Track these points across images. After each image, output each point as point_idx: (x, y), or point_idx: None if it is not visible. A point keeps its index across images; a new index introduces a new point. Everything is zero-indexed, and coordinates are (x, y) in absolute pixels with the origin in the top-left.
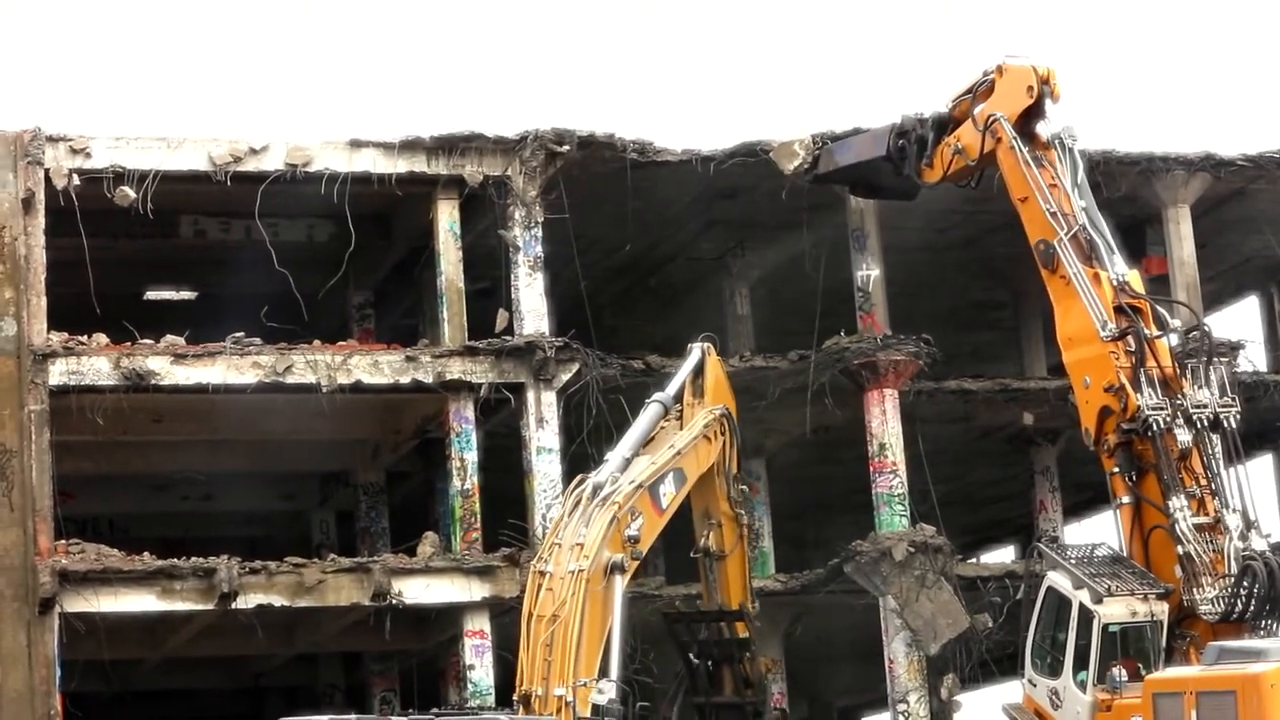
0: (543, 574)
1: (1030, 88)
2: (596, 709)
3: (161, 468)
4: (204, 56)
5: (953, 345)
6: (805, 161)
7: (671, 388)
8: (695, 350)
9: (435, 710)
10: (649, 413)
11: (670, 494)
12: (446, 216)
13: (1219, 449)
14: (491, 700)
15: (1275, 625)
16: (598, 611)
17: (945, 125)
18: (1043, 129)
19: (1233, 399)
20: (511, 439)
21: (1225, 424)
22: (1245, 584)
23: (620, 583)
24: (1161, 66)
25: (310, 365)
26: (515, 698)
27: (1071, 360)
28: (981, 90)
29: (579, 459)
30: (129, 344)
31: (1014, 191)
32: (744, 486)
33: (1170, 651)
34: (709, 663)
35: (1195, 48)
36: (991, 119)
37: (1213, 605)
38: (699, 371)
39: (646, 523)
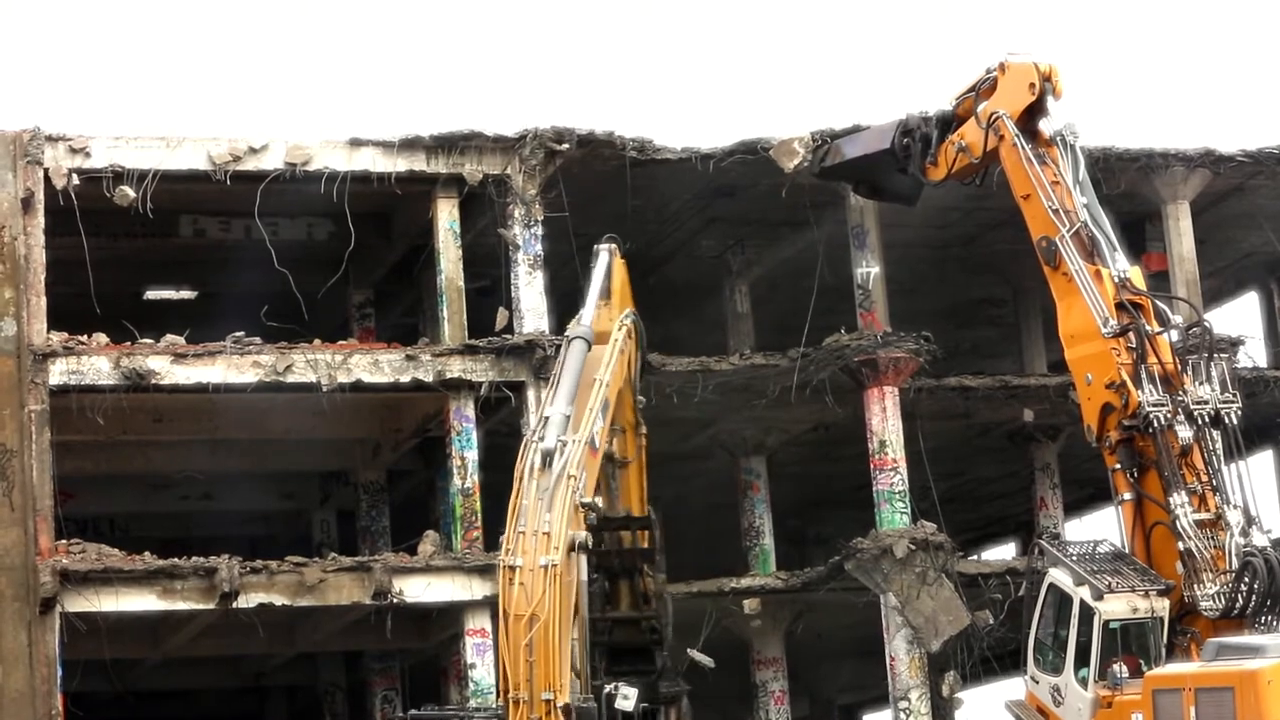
0: (512, 569)
1: (1032, 85)
2: (626, 715)
3: (162, 467)
4: (203, 56)
5: (953, 342)
6: (805, 159)
7: (588, 313)
8: (603, 253)
9: (414, 710)
10: (575, 354)
11: (601, 428)
12: (446, 215)
13: (1220, 445)
14: (492, 699)
15: (1275, 621)
16: (569, 601)
17: (949, 123)
18: (1045, 126)
19: (1234, 395)
20: (512, 437)
21: (1226, 420)
22: (1246, 580)
23: (583, 561)
24: (1161, 63)
25: (310, 364)
26: (501, 702)
27: (1073, 357)
28: (984, 88)
29: None
30: (129, 344)
31: (1016, 189)
32: (641, 398)
33: (1171, 648)
34: (606, 577)
35: (1194, 44)
36: (994, 116)
37: (1213, 601)
38: (605, 274)
39: (588, 473)
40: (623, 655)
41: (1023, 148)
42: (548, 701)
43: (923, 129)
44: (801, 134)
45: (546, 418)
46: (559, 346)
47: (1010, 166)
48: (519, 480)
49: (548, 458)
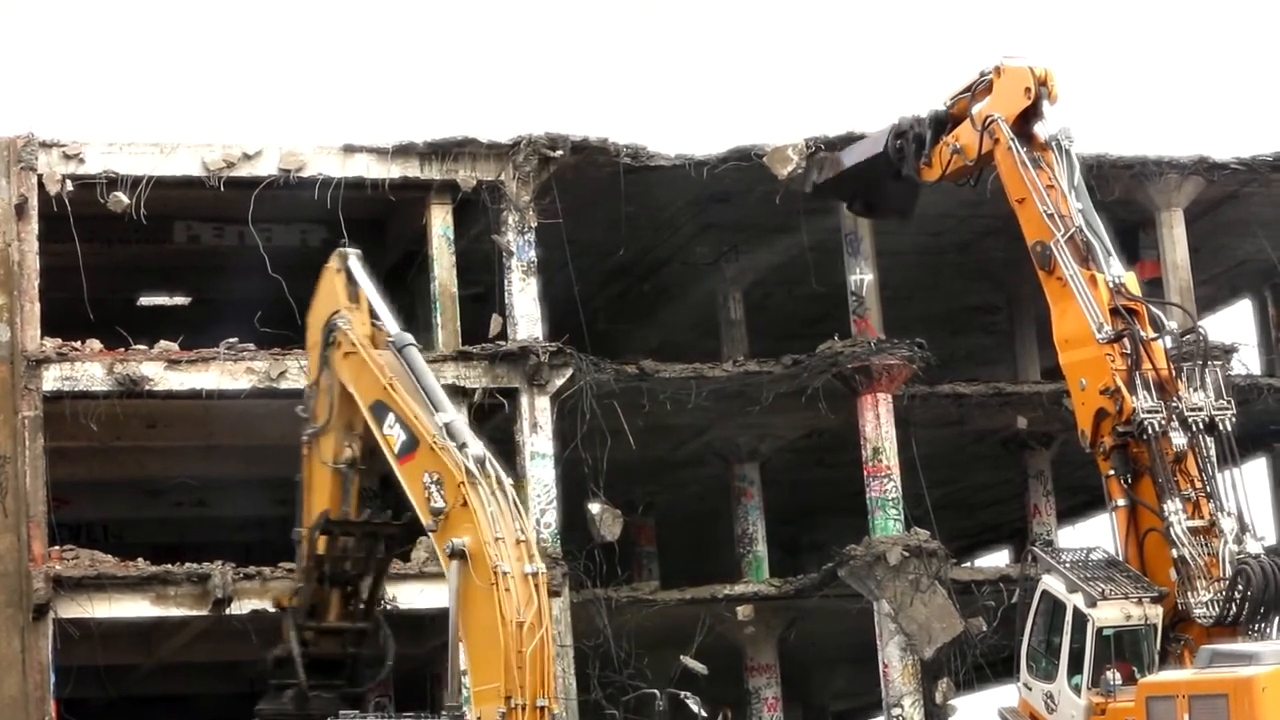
0: (505, 574)
1: (1028, 89)
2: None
3: (155, 473)
4: (197, 62)
5: (946, 349)
6: (799, 166)
7: (392, 321)
8: (354, 259)
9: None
10: (419, 359)
11: None
12: (440, 221)
13: (1213, 452)
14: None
15: (1269, 629)
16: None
17: (943, 123)
18: (1040, 130)
19: (1228, 401)
20: (505, 444)
21: (1221, 427)
22: (1239, 587)
23: None
24: (1155, 70)
25: (304, 370)
26: (503, 707)
27: (1067, 362)
28: (980, 89)
29: (573, 464)
30: (123, 350)
31: (1011, 193)
32: None
33: (1164, 655)
34: (331, 585)
35: (1188, 51)
36: (989, 120)
37: (1207, 609)
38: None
39: None
40: (318, 667)
41: (1018, 152)
42: (542, 708)
43: (916, 129)
44: (795, 141)
45: (448, 424)
46: (553, 353)
47: (1005, 170)
48: (481, 493)
49: (482, 464)
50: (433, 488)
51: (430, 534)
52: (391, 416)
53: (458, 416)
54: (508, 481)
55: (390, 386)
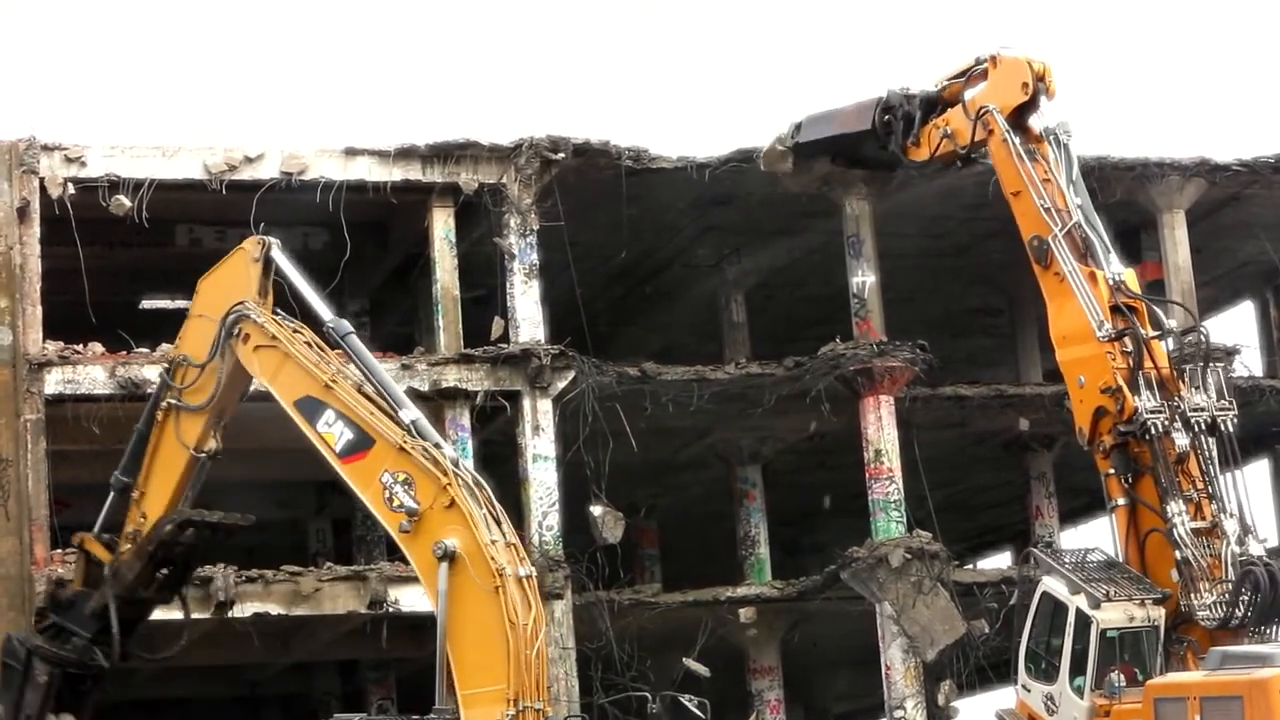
0: (505, 575)
1: (1025, 84)
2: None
3: None
4: (199, 65)
5: (948, 351)
6: (795, 165)
7: (325, 309)
8: (275, 248)
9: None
10: (366, 349)
11: None
12: (442, 224)
13: (1215, 453)
14: None
15: (1273, 631)
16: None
17: (934, 105)
18: (1035, 122)
19: (1230, 402)
20: (507, 447)
21: (1223, 427)
22: (1245, 590)
23: None
24: (1156, 71)
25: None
26: (511, 710)
27: (1066, 359)
28: (974, 75)
29: (575, 466)
30: (125, 353)
31: (1006, 186)
32: None
33: (1166, 656)
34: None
35: (1190, 53)
36: (983, 110)
37: (1211, 611)
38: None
39: None
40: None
41: (1013, 144)
42: (539, 711)
43: (905, 107)
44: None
45: (414, 422)
46: (555, 355)
47: (1000, 162)
48: (471, 495)
49: (455, 464)
50: (397, 488)
51: (399, 535)
52: (330, 414)
53: (420, 414)
54: (484, 483)
55: (333, 382)
